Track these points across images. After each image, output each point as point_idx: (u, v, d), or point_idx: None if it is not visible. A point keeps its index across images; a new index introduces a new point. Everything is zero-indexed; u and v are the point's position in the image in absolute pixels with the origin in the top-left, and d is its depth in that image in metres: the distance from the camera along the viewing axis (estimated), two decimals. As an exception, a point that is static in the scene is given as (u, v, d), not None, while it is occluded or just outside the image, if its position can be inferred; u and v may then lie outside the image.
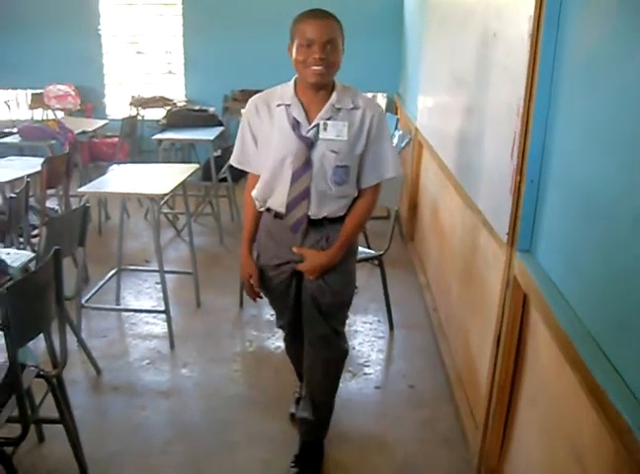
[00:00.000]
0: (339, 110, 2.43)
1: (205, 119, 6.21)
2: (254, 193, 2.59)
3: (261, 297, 2.73)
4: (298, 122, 2.42)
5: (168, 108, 7.06)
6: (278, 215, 2.54)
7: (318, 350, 2.69)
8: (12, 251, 2.90)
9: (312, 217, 2.50)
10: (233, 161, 2.62)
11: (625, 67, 1.57)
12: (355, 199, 2.56)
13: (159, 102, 7.66)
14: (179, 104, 7.64)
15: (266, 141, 2.50)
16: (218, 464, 2.80)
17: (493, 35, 2.72)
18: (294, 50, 2.35)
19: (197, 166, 4.51)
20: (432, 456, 2.87)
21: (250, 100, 2.54)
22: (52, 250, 2.32)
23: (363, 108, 2.46)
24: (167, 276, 4.01)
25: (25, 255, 2.80)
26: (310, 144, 2.41)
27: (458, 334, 3.41)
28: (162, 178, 4.03)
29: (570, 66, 1.95)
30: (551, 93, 2.08)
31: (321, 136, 2.41)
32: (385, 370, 3.65)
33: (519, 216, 2.24)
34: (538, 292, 2.01)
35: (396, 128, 6.15)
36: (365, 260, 3.94)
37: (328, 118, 2.42)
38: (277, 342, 3.77)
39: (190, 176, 4.15)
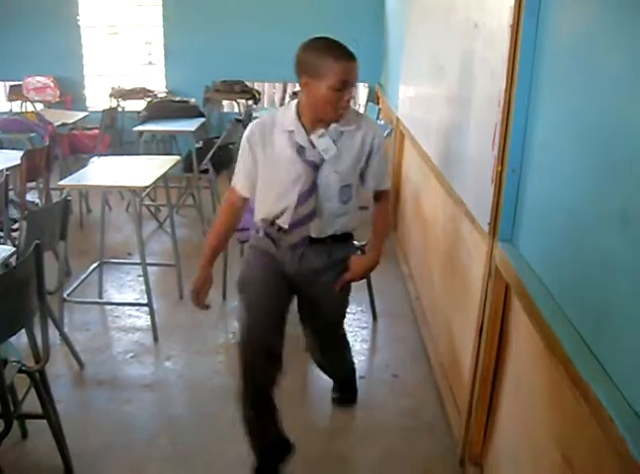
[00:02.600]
0: (342, 133, 2.44)
1: (186, 111, 6.17)
2: (257, 216, 2.58)
3: (207, 307, 2.68)
4: (303, 147, 2.42)
5: (149, 99, 7.00)
6: (281, 229, 2.51)
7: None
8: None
9: (316, 237, 2.51)
10: (240, 188, 2.57)
11: (607, 56, 1.57)
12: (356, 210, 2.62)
13: (140, 93, 7.57)
14: (159, 95, 7.57)
15: (269, 167, 2.48)
16: (205, 456, 2.81)
17: (474, 25, 2.72)
18: (323, 89, 2.29)
19: (178, 158, 4.49)
20: (416, 444, 2.90)
21: (250, 125, 2.53)
22: (33, 244, 2.30)
23: (365, 129, 2.49)
24: (149, 268, 4.00)
25: (5, 249, 2.78)
26: (315, 167, 2.42)
27: (441, 323, 3.43)
28: (143, 170, 4.01)
29: (551, 56, 1.95)
30: (532, 83, 2.08)
31: (328, 158, 2.42)
32: (369, 360, 3.67)
33: (500, 206, 2.25)
34: (519, 282, 2.03)
35: (378, 118, 6.14)
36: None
37: (334, 139, 2.42)
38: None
39: (171, 168, 4.13)
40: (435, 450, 2.85)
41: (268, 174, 2.50)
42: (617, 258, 1.46)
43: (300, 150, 2.42)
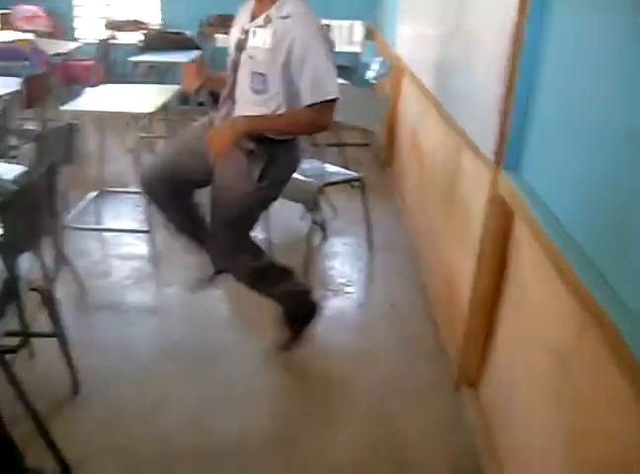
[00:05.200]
0: (270, 20, 2.50)
1: (182, 43, 6.13)
2: None
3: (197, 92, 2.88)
4: (244, 29, 2.58)
5: (143, 31, 6.91)
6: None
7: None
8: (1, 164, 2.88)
9: None
10: None
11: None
12: None
13: (132, 25, 7.48)
14: (153, 27, 7.48)
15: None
16: (206, 377, 2.87)
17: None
18: None
19: (178, 86, 4.44)
20: (413, 369, 2.98)
21: None
22: (48, 163, 2.32)
23: (293, 22, 2.46)
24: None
25: (15, 169, 2.79)
26: (240, 48, 2.58)
27: (439, 255, 3.48)
28: (144, 98, 4.00)
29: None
30: (544, 10, 2.09)
31: (249, 43, 2.54)
32: (366, 290, 3.74)
33: (506, 134, 2.28)
34: (525, 207, 2.06)
35: (375, 55, 6.12)
36: (346, 182, 3.98)
37: (260, 26, 2.52)
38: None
39: (173, 96, 4.12)
40: (432, 375, 2.94)
41: None
42: (626, 178, 1.51)
43: (242, 30, 2.59)
